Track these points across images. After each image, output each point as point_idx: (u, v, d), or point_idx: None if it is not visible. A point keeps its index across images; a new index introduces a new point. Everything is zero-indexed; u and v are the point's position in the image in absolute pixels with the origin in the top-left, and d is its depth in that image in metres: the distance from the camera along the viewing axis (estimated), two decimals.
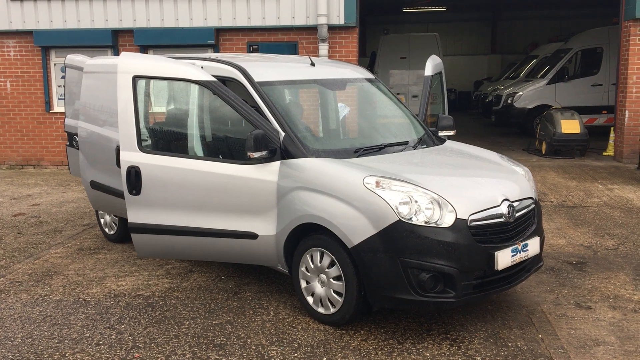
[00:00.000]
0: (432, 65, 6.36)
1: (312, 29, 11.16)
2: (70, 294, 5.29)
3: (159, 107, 5.76)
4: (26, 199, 9.27)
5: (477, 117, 21.94)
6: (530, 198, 4.79)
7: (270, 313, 4.81)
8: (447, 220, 4.15)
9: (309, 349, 4.20)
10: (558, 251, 6.30)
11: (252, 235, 4.79)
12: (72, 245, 6.76)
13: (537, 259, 4.81)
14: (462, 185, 4.53)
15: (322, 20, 10.90)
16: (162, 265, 5.98)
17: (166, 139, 5.34)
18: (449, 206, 4.18)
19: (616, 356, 4.06)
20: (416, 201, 4.16)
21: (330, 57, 11.13)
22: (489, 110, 17.72)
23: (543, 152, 12.67)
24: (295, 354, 4.13)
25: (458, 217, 4.17)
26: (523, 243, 4.47)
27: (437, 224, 4.14)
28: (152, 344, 4.31)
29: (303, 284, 4.69)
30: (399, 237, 4.10)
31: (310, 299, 4.66)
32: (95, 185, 6.41)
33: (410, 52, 16.45)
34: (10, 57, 11.93)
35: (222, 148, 5.17)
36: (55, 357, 4.14)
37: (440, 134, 5.89)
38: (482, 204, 4.34)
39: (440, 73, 6.79)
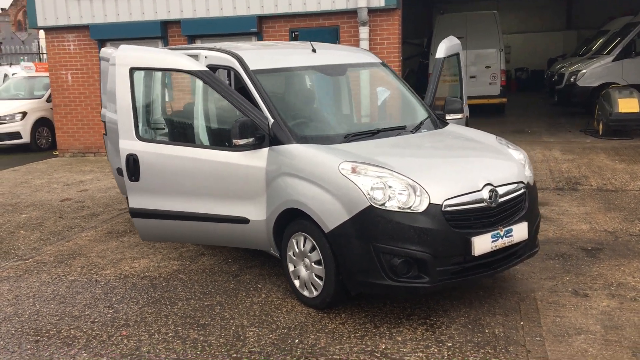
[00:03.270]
0: (445, 47, 6.22)
1: (353, 13, 11.10)
2: (86, 275, 5.64)
3: (155, 98, 5.97)
4: (77, 185, 9.85)
5: (546, 97, 21.10)
6: (521, 182, 4.65)
7: (261, 295, 4.95)
8: (421, 206, 4.13)
9: (286, 330, 4.31)
10: (576, 237, 6.07)
11: (244, 220, 4.93)
12: (103, 229, 7.16)
13: (531, 244, 4.69)
14: (443, 170, 4.49)
15: (362, 3, 10.81)
16: (177, 248, 6.24)
17: (162, 127, 5.55)
18: (423, 191, 4.15)
19: (594, 345, 3.92)
20: (390, 186, 4.16)
21: (371, 40, 11.03)
22: (554, 90, 17.01)
23: (600, 133, 12.08)
24: (271, 335, 4.25)
25: (432, 202, 4.14)
26: (507, 228, 4.36)
27: (411, 210, 4.12)
28: (142, 323, 4.55)
29: (291, 268, 4.79)
30: (371, 222, 4.13)
31: (297, 282, 4.76)
32: (121, 172, 6.74)
33: (467, 31, 16.05)
34: (70, 50, 12.62)
35: (215, 135, 5.32)
36: (52, 332, 4.46)
37: (448, 117, 5.80)
38: (461, 188, 4.28)
39: (457, 54, 6.63)
